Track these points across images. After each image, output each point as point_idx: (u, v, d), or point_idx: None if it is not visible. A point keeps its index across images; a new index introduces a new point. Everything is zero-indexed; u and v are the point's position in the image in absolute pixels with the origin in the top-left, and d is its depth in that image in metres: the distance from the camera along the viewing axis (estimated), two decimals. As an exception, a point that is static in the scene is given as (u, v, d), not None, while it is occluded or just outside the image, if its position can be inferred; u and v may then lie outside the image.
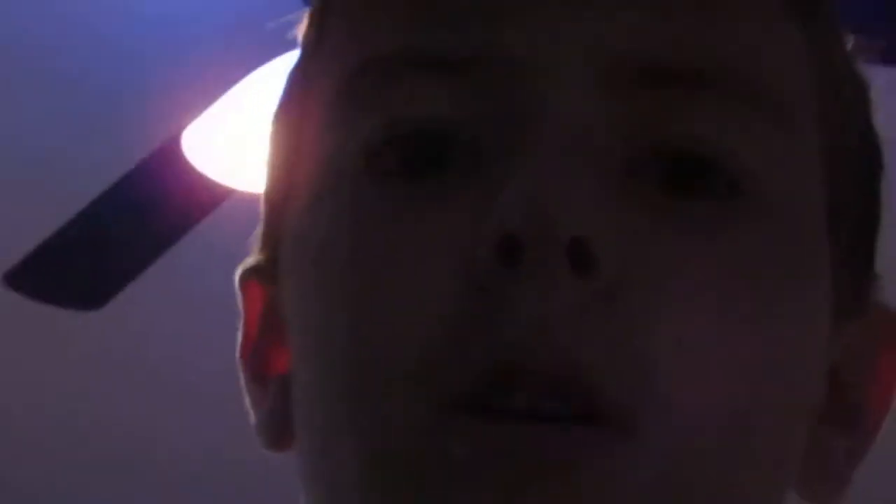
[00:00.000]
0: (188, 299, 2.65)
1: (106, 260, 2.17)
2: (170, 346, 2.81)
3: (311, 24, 0.53)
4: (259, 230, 0.54)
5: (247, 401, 0.53)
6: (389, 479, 0.45)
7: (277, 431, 0.51)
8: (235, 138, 1.88)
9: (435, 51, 0.47)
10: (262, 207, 0.54)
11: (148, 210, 2.04)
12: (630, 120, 0.46)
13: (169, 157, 1.96)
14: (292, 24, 0.55)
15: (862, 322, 0.51)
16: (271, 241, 0.53)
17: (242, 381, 0.53)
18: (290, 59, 0.57)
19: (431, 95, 0.46)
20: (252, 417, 0.53)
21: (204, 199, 2.01)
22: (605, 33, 0.46)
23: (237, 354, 0.54)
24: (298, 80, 0.53)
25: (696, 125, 0.46)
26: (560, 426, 0.43)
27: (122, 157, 2.05)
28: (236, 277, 0.54)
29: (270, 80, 1.79)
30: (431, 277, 0.45)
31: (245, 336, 0.53)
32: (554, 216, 0.43)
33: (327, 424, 0.47)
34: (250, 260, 0.54)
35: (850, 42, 0.52)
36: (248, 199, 2.12)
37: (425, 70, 0.47)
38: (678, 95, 0.46)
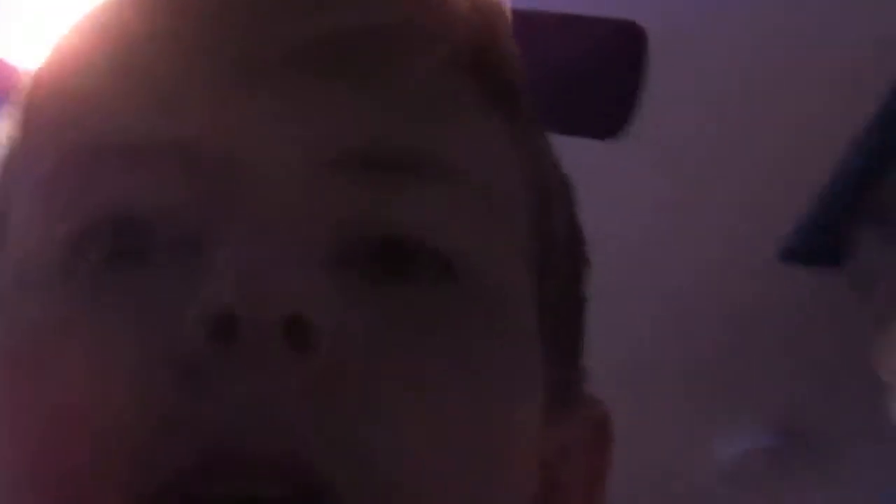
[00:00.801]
0: None
1: None
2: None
3: (15, 123, 0.51)
4: None
5: None
6: None
7: None
8: None
9: (136, 140, 0.46)
10: None
11: None
12: (335, 207, 0.45)
13: None
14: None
15: (573, 418, 0.50)
16: None
17: None
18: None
19: (130, 186, 0.45)
20: None
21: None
22: (309, 127, 0.46)
23: None
24: (3, 175, 0.51)
25: (399, 210, 0.46)
26: None
27: None
28: None
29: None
30: (132, 365, 0.43)
31: None
32: (266, 291, 0.42)
33: None
34: None
35: (549, 139, 0.52)
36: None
37: (125, 161, 0.46)
38: (381, 183, 0.46)
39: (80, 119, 0.48)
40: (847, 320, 2.55)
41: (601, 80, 1.65)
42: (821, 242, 2.43)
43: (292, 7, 0.47)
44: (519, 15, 1.56)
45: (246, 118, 0.46)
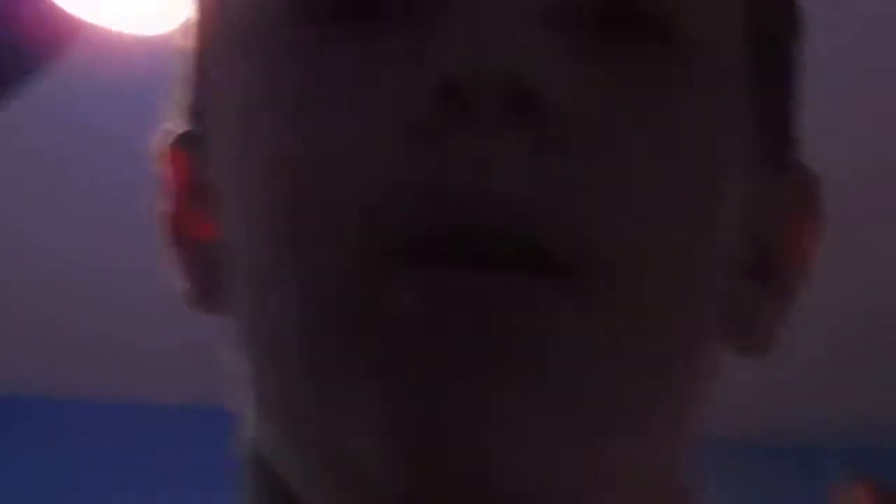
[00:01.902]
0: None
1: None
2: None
3: None
4: (177, 95, 0.53)
5: (172, 270, 0.52)
6: (326, 325, 0.44)
7: (210, 295, 0.50)
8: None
9: None
10: (182, 68, 0.53)
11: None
12: None
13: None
14: None
15: (783, 181, 0.51)
16: (194, 104, 0.52)
17: (167, 253, 0.53)
18: None
19: None
20: (180, 285, 0.52)
21: (58, 33, 1.91)
22: None
23: (158, 224, 0.53)
24: None
25: None
26: (506, 275, 0.43)
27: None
28: (153, 145, 0.53)
29: None
30: (373, 125, 0.44)
31: (167, 204, 0.53)
32: (493, 57, 0.42)
33: (266, 278, 0.46)
34: (167, 126, 0.53)
35: None
36: (106, 36, 2.04)
37: None
38: None
39: None
40: None
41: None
42: None
43: None
44: None
45: None
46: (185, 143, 0.52)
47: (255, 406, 0.48)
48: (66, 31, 1.90)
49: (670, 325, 0.45)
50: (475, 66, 0.42)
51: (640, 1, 0.46)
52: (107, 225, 2.67)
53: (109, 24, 1.89)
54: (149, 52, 1.81)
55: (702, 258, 0.46)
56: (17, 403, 3.33)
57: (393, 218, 0.43)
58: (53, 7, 1.86)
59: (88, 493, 3.24)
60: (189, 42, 0.53)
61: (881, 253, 2.73)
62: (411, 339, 0.43)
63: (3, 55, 1.93)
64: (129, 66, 2.14)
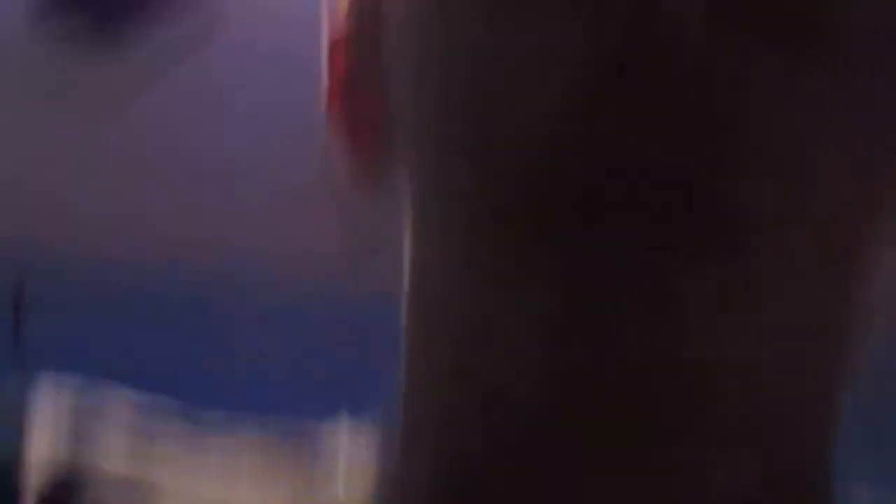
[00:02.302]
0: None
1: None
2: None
3: None
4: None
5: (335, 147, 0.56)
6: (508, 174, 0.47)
7: (378, 163, 0.54)
8: None
9: None
10: None
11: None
12: None
13: None
14: None
15: None
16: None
17: (331, 129, 0.56)
18: None
19: None
20: (342, 160, 0.56)
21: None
22: None
23: (324, 99, 0.56)
24: None
25: None
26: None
27: None
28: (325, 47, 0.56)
29: None
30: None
31: (334, 83, 0.56)
32: None
33: (444, 143, 0.49)
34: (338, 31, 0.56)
35: None
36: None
37: None
38: None
39: None
40: None
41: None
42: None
43: None
44: None
45: None
46: (349, 42, 0.55)
47: None
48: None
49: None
50: None
51: None
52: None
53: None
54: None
55: None
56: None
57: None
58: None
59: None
60: None
61: None
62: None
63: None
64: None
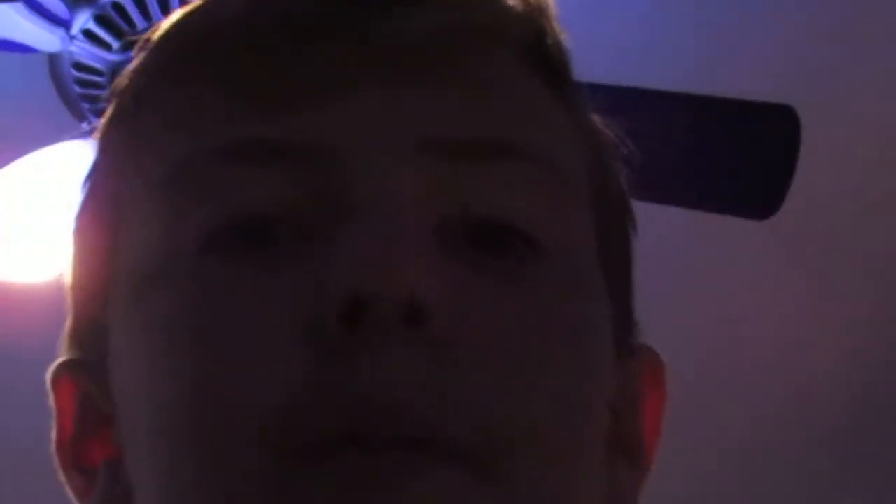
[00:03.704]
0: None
1: None
2: None
3: (116, 123, 0.56)
4: (69, 325, 0.56)
5: (70, 494, 0.55)
6: None
7: None
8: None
9: (260, 141, 0.51)
10: (71, 304, 0.56)
11: None
12: (438, 193, 0.50)
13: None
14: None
15: (633, 361, 0.57)
16: (87, 334, 0.55)
17: (63, 476, 0.55)
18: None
19: (258, 182, 0.50)
20: None
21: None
22: (407, 121, 0.51)
23: (53, 449, 0.56)
24: (103, 179, 0.56)
25: (493, 195, 0.51)
26: (414, 465, 0.46)
27: None
28: (48, 374, 0.56)
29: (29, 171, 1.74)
30: (276, 342, 0.47)
31: (60, 430, 0.56)
32: (392, 277, 0.46)
33: (176, 492, 0.49)
34: (62, 356, 0.56)
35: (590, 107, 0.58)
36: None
37: (250, 159, 0.50)
38: (476, 170, 0.51)
39: (203, 119, 0.52)
40: None
41: (758, 161, 1.70)
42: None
43: (378, 13, 0.53)
44: (685, 99, 1.61)
45: (351, 115, 0.50)
46: (75, 371, 0.56)
47: None
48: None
49: (566, 497, 0.50)
50: (379, 286, 0.46)
51: (509, 218, 0.51)
52: None
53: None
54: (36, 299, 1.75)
55: (588, 435, 0.51)
56: None
57: (297, 429, 0.46)
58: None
59: None
60: (74, 280, 0.57)
61: None
62: None
63: None
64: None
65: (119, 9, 1.74)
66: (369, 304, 0.46)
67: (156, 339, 0.50)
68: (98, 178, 0.57)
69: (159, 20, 0.56)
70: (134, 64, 0.56)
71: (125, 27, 1.74)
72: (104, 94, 1.53)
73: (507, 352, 0.49)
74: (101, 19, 1.75)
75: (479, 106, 0.52)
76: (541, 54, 0.56)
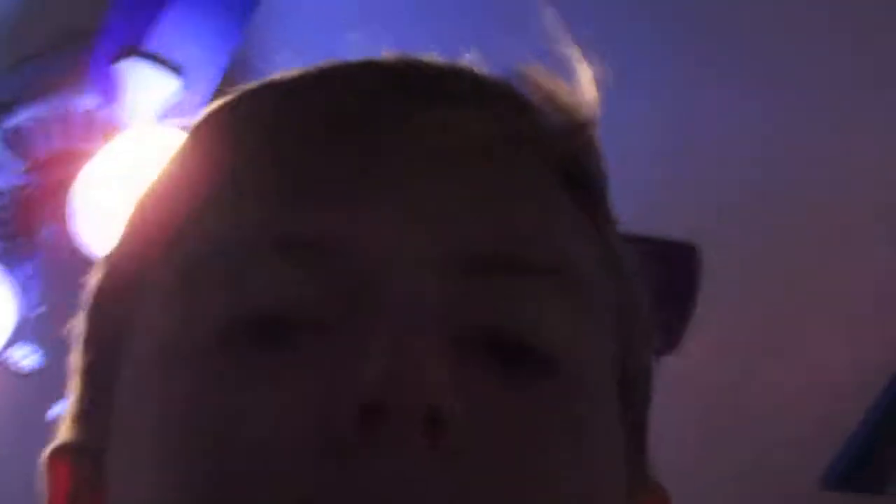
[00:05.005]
0: None
1: None
2: None
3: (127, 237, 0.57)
4: (70, 409, 0.56)
5: None
6: None
7: None
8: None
9: (285, 237, 0.51)
10: (73, 384, 0.56)
11: None
12: (461, 302, 0.50)
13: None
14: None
15: (644, 495, 0.56)
16: (91, 417, 0.55)
17: None
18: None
19: (280, 279, 0.50)
20: None
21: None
22: (443, 227, 0.51)
23: None
24: (122, 267, 0.56)
25: (516, 311, 0.51)
26: None
27: None
28: (43, 458, 0.56)
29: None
30: (289, 439, 0.47)
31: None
32: (414, 383, 0.47)
33: None
34: (58, 440, 0.56)
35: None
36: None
37: (273, 255, 0.50)
38: (502, 285, 0.51)
39: (225, 215, 0.52)
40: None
41: (661, 298, 1.71)
42: (863, 469, 2.44)
43: (411, 121, 0.53)
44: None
45: (378, 220, 0.51)
46: (73, 455, 0.55)
47: None
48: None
49: None
50: (403, 396, 0.46)
51: (528, 340, 0.51)
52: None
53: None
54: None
55: None
56: None
57: None
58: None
59: None
60: (80, 361, 0.56)
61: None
62: None
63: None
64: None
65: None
66: (391, 412, 0.46)
67: (158, 426, 0.50)
68: (113, 270, 0.57)
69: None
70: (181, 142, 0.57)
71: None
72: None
73: (519, 466, 0.49)
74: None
75: (509, 221, 0.52)
76: (576, 172, 0.56)
